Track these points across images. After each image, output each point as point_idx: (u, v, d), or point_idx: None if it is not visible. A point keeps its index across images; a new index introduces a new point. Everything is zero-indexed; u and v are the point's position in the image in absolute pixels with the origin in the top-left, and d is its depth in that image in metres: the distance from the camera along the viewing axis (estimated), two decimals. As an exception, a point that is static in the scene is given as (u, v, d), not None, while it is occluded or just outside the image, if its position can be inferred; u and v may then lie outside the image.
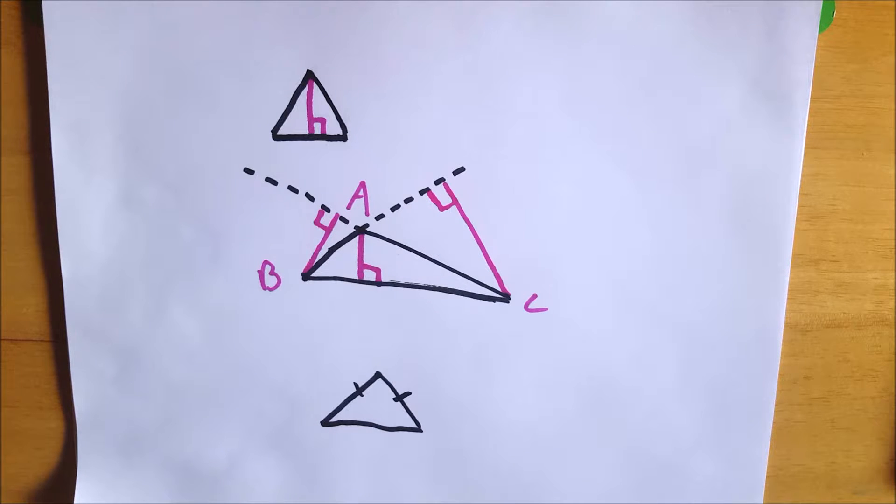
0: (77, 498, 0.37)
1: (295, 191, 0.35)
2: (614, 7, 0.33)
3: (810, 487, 0.39)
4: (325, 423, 0.37)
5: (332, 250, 0.36)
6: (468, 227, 0.35)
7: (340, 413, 0.37)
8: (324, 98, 0.34)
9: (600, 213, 0.35)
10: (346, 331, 0.36)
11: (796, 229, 0.35)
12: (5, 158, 0.35)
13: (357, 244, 0.35)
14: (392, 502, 0.38)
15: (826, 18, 0.34)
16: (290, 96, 0.34)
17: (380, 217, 0.35)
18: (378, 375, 0.37)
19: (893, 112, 0.36)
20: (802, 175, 0.35)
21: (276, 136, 0.34)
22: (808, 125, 0.34)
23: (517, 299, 0.36)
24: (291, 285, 0.36)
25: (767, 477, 0.37)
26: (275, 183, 0.35)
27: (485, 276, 0.36)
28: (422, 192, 0.35)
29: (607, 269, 0.36)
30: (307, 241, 0.35)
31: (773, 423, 0.37)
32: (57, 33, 0.33)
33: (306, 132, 0.34)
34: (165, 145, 0.34)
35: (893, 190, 0.37)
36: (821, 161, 0.36)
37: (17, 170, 0.35)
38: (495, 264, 0.36)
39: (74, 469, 0.38)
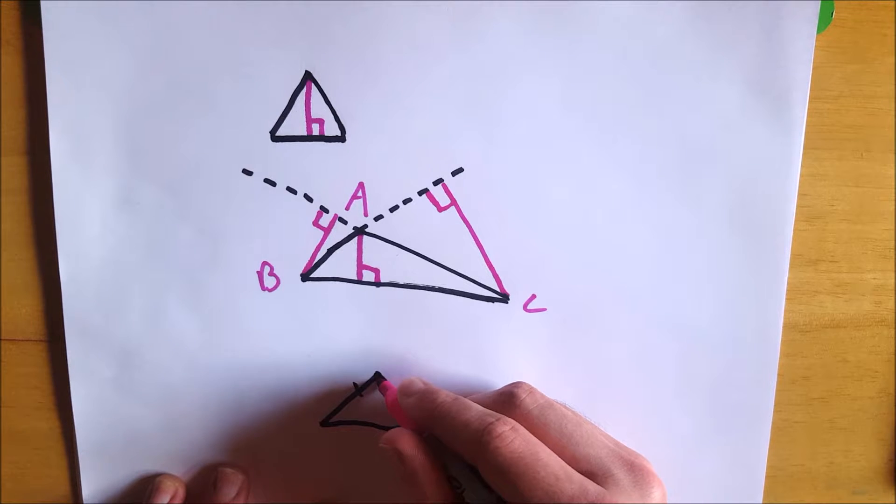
0: (84, 499, 0.37)
1: (293, 192, 0.35)
2: (613, 7, 0.33)
3: (810, 487, 0.39)
4: (325, 423, 0.37)
5: (330, 251, 0.36)
6: (467, 228, 0.35)
7: (340, 413, 0.37)
8: (322, 99, 0.34)
9: (599, 214, 0.35)
10: (346, 331, 0.36)
11: (795, 229, 0.35)
12: (4, 159, 0.35)
13: (356, 245, 0.35)
14: (393, 503, 0.38)
15: (825, 18, 0.34)
16: (289, 97, 0.34)
17: (378, 218, 0.35)
18: (378, 376, 0.37)
19: (893, 112, 0.36)
20: (801, 175, 0.35)
21: (275, 137, 0.34)
22: (808, 125, 0.34)
23: (516, 300, 0.36)
24: (290, 286, 0.36)
25: (767, 477, 0.37)
26: (273, 184, 0.35)
27: (484, 277, 0.36)
28: (420, 193, 0.35)
29: (606, 269, 0.36)
30: (306, 242, 0.35)
31: (772, 423, 0.37)
32: (56, 34, 0.33)
33: (305, 133, 0.34)
34: (164, 146, 0.34)
35: (893, 190, 0.37)
36: (820, 161, 0.36)
37: (15, 170, 0.35)
38: (494, 265, 0.36)
39: (74, 469, 0.38)
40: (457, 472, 0.31)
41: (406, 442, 0.32)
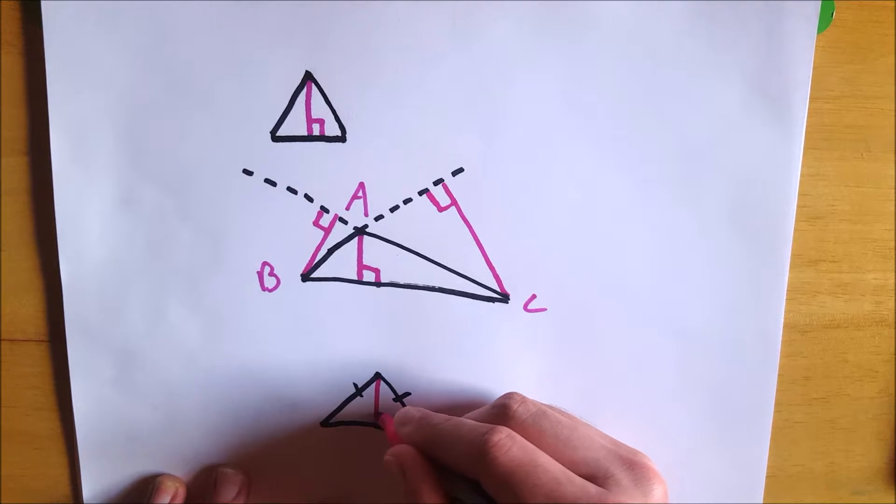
0: (85, 499, 0.37)
1: (294, 192, 0.35)
2: (614, 7, 0.33)
3: (810, 488, 0.39)
4: (325, 423, 0.37)
5: (331, 251, 0.36)
6: (467, 228, 0.35)
7: (340, 413, 0.37)
8: (322, 99, 0.34)
9: (599, 214, 0.35)
10: (346, 331, 0.36)
11: (795, 229, 0.35)
12: (4, 159, 0.35)
13: (356, 245, 0.35)
14: (393, 502, 0.38)
15: (825, 19, 0.34)
16: (289, 97, 0.34)
17: (379, 218, 0.35)
18: (378, 376, 0.37)
19: (893, 112, 0.36)
20: (802, 175, 0.35)
21: (275, 137, 0.34)
22: (808, 125, 0.34)
23: (516, 300, 0.36)
24: (291, 286, 0.36)
25: (767, 477, 0.37)
26: (274, 184, 0.35)
27: (484, 277, 0.36)
28: (421, 193, 0.35)
29: (607, 270, 0.36)
30: (306, 242, 0.35)
31: (773, 423, 0.37)
32: (56, 33, 0.33)
33: (305, 133, 0.34)
34: (164, 146, 0.34)
35: (893, 190, 0.37)
36: (820, 161, 0.36)
37: (16, 170, 0.35)
38: (494, 265, 0.36)
39: (75, 469, 0.38)
40: (459, 492, 0.31)
41: (411, 458, 0.32)
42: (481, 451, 0.29)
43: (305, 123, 0.34)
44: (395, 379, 0.37)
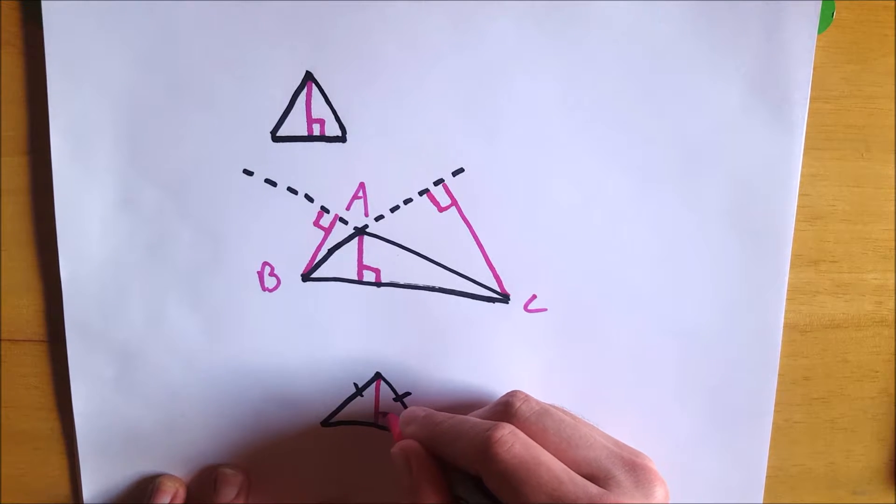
0: (85, 499, 0.37)
1: (294, 192, 0.35)
2: (614, 7, 0.33)
3: (810, 488, 0.39)
4: (325, 423, 0.37)
5: (331, 251, 0.36)
6: (467, 228, 0.35)
7: (340, 413, 0.37)
8: (323, 99, 0.34)
9: (600, 214, 0.35)
10: (346, 331, 0.36)
11: (796, 229, 0.35)
12: (4, 159, 0.35)
13: (356, 245, 0.35)
14: (393, 502, 0.38)
15: (825, 19, 0.34)
16: (290, 97, 0.34)
17: (379, 218, 0.35)
18: (378, 375, 0.37)
19: (893, 112, 0.36)
20: (802, 175, 0.35)
21: (276, 138, 0.34)
22: (808, 125, 0.34)
23: (517, 300, 0.36)
24: (291, 286, 0.36)
25: (767, 477, 0.37)
26: (274, 184, 0.35)
27: (484, 277, 0.36)
28: (421, 193, 0.35)
29: (607, 270, 0.36)
30: (307, 242, 0.35)
31: (773, 423, 0.37)
32: (56, 33, 0.33)
33: (305, 133, 0.34)
34: (164, 146, 0.34)
35: (893, 190, 0.37)
36: (820, 161, 0.36)
37: (16, 170, 0.35)
38: (495, 265, 0.36)
39: (74, 469, 0.38)
40: (462, 490, 0.31)
41: (417, 453, 0.31)
42: (484, 447, 0.29)
43: (306, 123, 0.34)
44: (395, 379, 0.37)
